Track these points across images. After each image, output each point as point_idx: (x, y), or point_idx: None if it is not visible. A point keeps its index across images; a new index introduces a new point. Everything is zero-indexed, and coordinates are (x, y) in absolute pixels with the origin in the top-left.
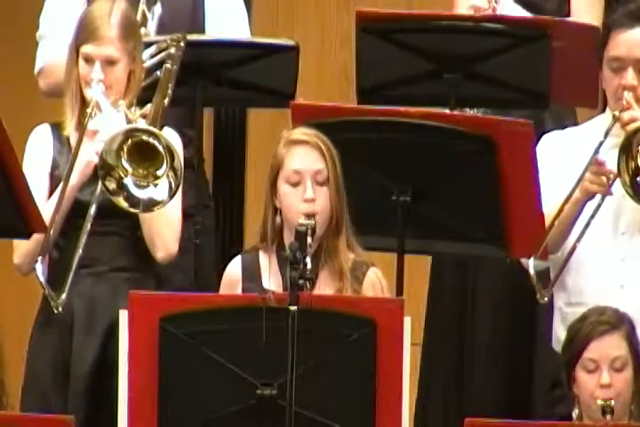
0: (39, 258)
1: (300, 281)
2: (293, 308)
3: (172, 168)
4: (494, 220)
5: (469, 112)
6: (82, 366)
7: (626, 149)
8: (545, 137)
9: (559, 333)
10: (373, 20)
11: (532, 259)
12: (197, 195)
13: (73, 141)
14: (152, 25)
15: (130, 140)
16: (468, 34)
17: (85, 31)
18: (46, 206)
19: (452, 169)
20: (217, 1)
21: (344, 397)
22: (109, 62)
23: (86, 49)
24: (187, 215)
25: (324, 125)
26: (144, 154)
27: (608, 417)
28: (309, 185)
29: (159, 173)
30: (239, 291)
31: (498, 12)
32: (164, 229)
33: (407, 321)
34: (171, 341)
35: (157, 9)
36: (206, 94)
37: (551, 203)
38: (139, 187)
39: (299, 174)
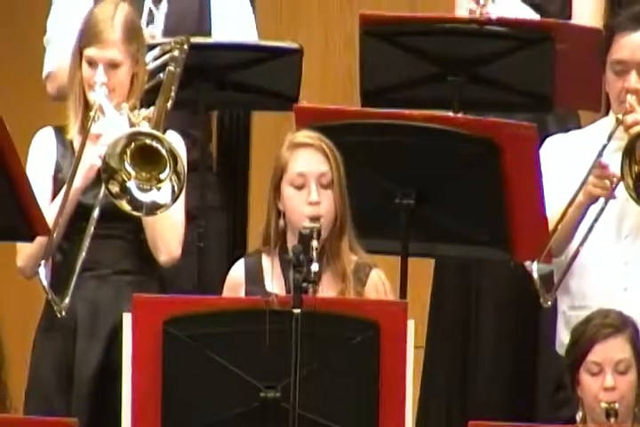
0: (42, 262)
1: (304, 284)
2: (297, 311)
3: (175, 171)
4: (498, 223)
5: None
6: (85, 369)
7: (629, 153)
8: (548, 140)
9: (562, 336)
10: (377, 23)
11: (535, 262)
12: (207, 197)
13: (76, 145)
14: (160, 23)
15: (133, 143)
16: (471, 36)
17: (89, 34)
18: (49, 209)
19: (456, 172)
20: (223, 3)
21: (347, 399)
22: (112, 65)
23: (89, 52)
24: (190, 218)
25: (327, 128)
26: (147, 157)
27: (612, 420)
28: (314, 188)
29: (162, 176)
30: (242, 294)
31: (492, 16)
32: (167, 233)
33: (410, 324)
34: (174, 343)
35: (163, 7)
36: (210, 97)
37: (555, 206)
38: (142, 190)
39: (303, 177)
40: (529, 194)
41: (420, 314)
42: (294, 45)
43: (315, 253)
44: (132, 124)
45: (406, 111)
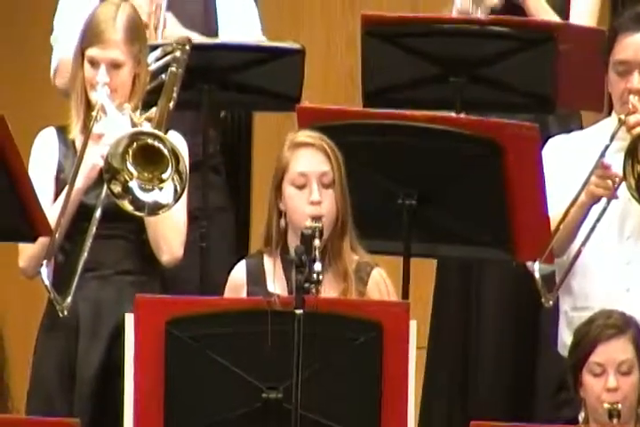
0: (44, 262)
1: (306, 284)
2: (299, 311)
3: (178, 171)
4: (500, 223)
5: None
6: (87, 369)
7: (631, 153)
8: (551, 141)
9: (565, 337)
10: (378, 24)
11: (536, 263)
12: (211, 197)
13: (78, 145)
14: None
15: (135, 143)
16: (473, 37)
17: (91, 34)
18: (51, 210)
19: (458, 172)
20: (229, 5)
21: (349, 400)
22: (115, 65)
23: (92, 52)
24: (192, 218)
25: (329, 129)
26: (149, 157)
27: (615, 421)
28: (315, 187)
29: (164, 176)
30: (244, 295)
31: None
32: (170, 233)
33: (413, 325)
34: (176, 344)
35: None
36: (212, 98)
37: (557, 206)
38: (144, 190)
39: (304, 177)
40: (531, 194)
41: (423, 315)
42: (296, 46)
43: (317, 253)
44: (133, 125)
45: (408, 112)
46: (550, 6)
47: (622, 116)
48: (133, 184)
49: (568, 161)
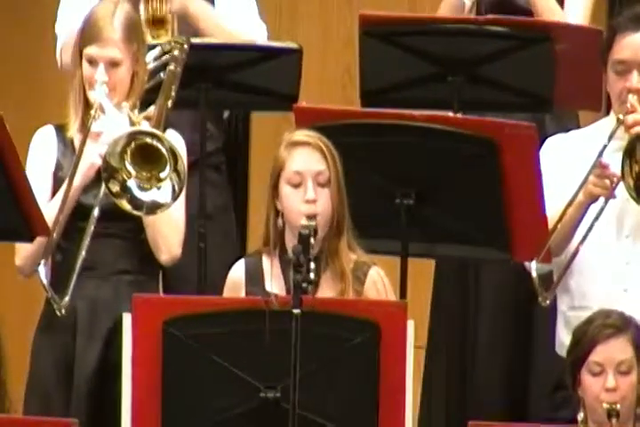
0: (42, 261)
1: (304, 284)
2: (297, 311)
3: (176, 170)
4: (497, 222)
5: None
6: (85, 368)
7: (630, 153)
8: (549, 140)
9: (562, 336)
10: (376, 24)
11: (534, 262)
12: (213, 196)
13: (76, 143)
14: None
15: (133, 142)
16: (471, 37)
17: (89, 33)
18: (49, 208)
19: (455, 172)
20: (228, 2)
21: (347, 400)
22: (113, 64)
23: (90, 51)
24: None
25: (327, 128)
26: (147, 156)
27: (613, 421)
28: (310, 186)
29: (162, 175)
30: (242, 294)
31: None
32: (169, 232)
33: (410, 324)
34: (174, 344)
35: None
36: (209, 97)
37: (555, 206)
38: (142, 189)
39: (300, 175)
40: (528, 194)
41: (420, 314)
42: (294, 45)
43: (312, 252)
44: (132, 123)
45: (406, 111)
46: None
47: (621, 116)
48: (131, 183)
49: (566, 160)
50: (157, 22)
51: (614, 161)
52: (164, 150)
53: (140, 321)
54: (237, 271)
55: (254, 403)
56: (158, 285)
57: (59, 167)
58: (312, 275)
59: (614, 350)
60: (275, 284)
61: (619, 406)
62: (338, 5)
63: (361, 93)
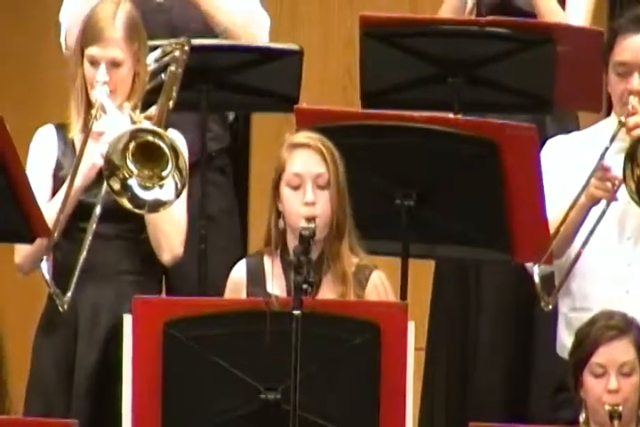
0: (44, 257)
1: (304, 285)
2: (297, 312)
3: (178, 168)
4: (498, 224)
5: None
6: (86, 369)
7: (631, 157)
8: (550, 142)
9: (564, 338)
10: (377, 25)
11: (536, 266)
12: (222, 199)
13: (78, 144)
14: None
15: (135, 140)
16: (471, 38)
17: (90, 33)
18: (50, 209)
19: (456, 173)
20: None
21: (348, 401)
22: (114, 64)
23: (91, 51)
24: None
25: (327, 130)
26: (149, 155)
27: (615, 423)
28: (309, 188)
29: (164, 173)
30: (244, 295)
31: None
32: (171, 231)
33: (411, 326)
34: (174, 345)
35: None
36: (210, 99)
37: (556, 208)
38: (144, 188)
39: (299, 178)
40: (529, 195)
41: (421, 315)
42: (294, 47)
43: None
44: (133, 123)
45: (406, 113)
46: None
47: (622, 118)
48: (132, 182)
49: (567, 162)
50: None
51: (616, 163)
52: (165, 148)
53: (140, 322)
54: (239, 272)
55: (255, 404)
56: (161, 285)
57: (59, 167)
58: (310, 276)
59: (617, 351)
60: (276, 284)
61: (621, 407)
62: (338, 7)
63: (361, 95)
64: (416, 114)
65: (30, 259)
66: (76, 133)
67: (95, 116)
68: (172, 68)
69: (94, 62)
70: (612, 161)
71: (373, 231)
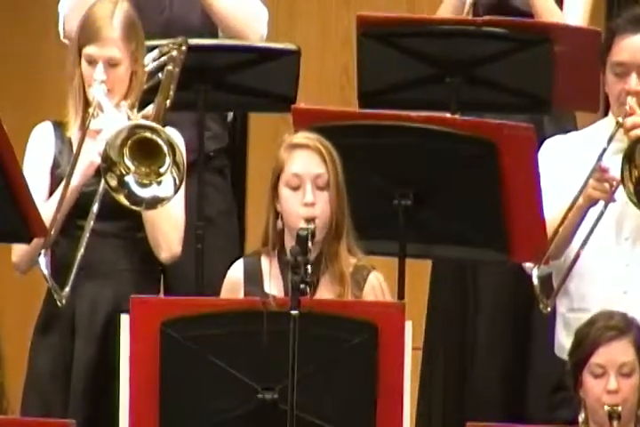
0: (42, 251)
1: (302, 285)
2: (295, 312)
3: (175, 163)
4: (495, 224)
5: None
6: (83, 368)
7: (629, 158)
8: (547, 142)
9: (562, 339)
10: (374, 25)
11: (535, 268)
12: (221, 201)
13: (75, 142)
14: None
15: (133, 137)
16: (469, 38)
17: (88, 32)
18: (47, 207)
19: (454, 173)
20: None
21: (345, 401)
22: (112, 63)
23: (89, 50)
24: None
25: (325, 130)
26: (146, 152)
27: (614, 423)
28: (309, 189)
29: (162, 170)
30: (241, 295)
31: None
32: (168, 229)
33: (408, 325)
34: (172, 345)
35: None
36: (208, 99)
37: (554, 208)
38: (141, 185)
39: (299, 178)
40: (527, 195)
41: (418, 315)
42: (291, 47)
43: (310, 255)
44: None
45: (403, 112)
46: None
47: (620, 119)
48: (129, 179)
49: (565, 162)
50: None
51: (613, 163)
52: (162, 144)
53: (137, 322)
54: (236, 272)
55: (252, 404)
56: (159, 285)
57: (56, 164)
58: (308, 276)
59: (616, 352)
60: (273, 285)
61: (620, 408)
62: (336, 6)
63: (359, 94)
64: (414, 114)
65: (27, 258)
66: (73, 132)
67: (93, 114)
68: (170, 67)
69: (92, 61)
70: (609, 162)
71: (371, 231)
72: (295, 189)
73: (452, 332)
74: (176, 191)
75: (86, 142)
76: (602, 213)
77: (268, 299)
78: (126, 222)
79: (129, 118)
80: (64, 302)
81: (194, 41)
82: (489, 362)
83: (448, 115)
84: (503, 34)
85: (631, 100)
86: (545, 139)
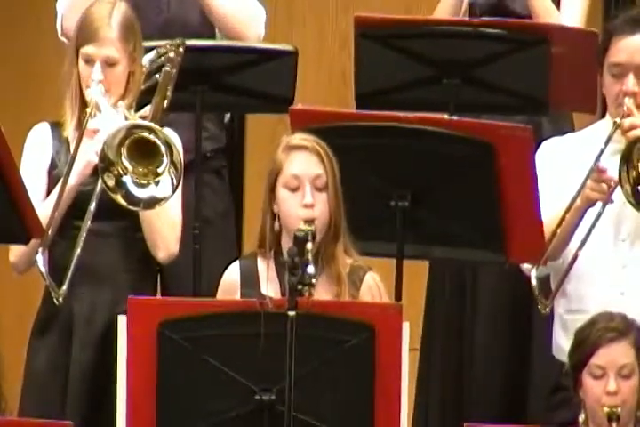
0: (40, 249)
1: (299, 286)
2: (292, 313)
3: (172, 162)
4: (493, 225)
5: None
6: (81, 369)
7: (626, 159)
8: (545, 143)
9: (559, 340)
10: (372, 26)
11: (533, 269)
12: (219, 202)
13: (72, 142)
14: None
15: (130, 137)
16: (466, 39)
17: (85, 32)
18: (44, 206)
19: (451, 174)
20: None
21: (343, 402)
22: (109, 63)
23: (86, 50)
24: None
25: (322, 131)
26: (144, 152)
27: (614, 424)
28: (308, 190)
29: (160, 170)
30: (238, 297)
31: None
32: (166, 229)
33: (406, 326)
34: (169, 346)
35: None
36: (205, 100)
37: (552, 209)
38: (138, 186)
39: (298, 179)
40: (524, 196)
41: (416, 316)
42: (289, 48)
43: (310, 256)
44: None
45: (401, 114)
46: None
47: (617, 120)
48: (127, 179)
49: (562, 164)
50: None
51: (611, 164)
52: (160, 144)
53: (135, 323)
54: (232, 274)
55: (250, 405)
56: (156, 285)
57: (53, 165)
58: (309, 278)
59: (616, 353)
60: (270, 287)
61: (619, 409)
62: (333, 8)
63: (356, 95)
64: (411, 115)
65: (25, 258)
66: (70, 132)
67: (90, 114)
68: (167, 68)
69: (89, 61)
70: (607, 163)
71: (368, 232)
72: (294, 190)
73: (449, 333)
74: (174, 191)
75: (84, 142)
76: (599, 215)
77: (265, 300)
78: (124, 223)
79: (126, 119)
80: (61, 300)
81: (191, 42)
82: (488, 363)
83: (445, 116)
84: (500, 35)
85: (628, 101)
86: (543, 140)
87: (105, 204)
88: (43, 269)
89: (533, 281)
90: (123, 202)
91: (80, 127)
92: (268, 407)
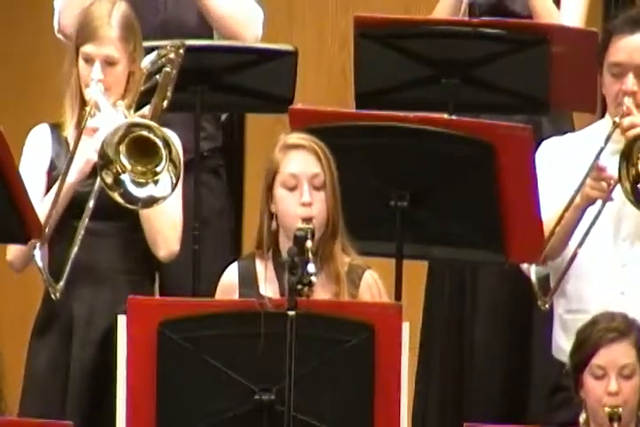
0: (37, 244)
1: (299, 286)
2: (292, 313)
3: (171, 161)
4: (492, 225)
5: None
6: (81, 369)
7: (626, 157)
8: (545, 143)
9: (559, 339)
10: (371, 26)
11: (533, 266)
12: (216, 201)
13: (71, 141)
14: None
15: (130, 135)
16: (466, 39)
17: (85, 31)
18: (42, 206)
19: (450, 174)
20: None
21: (342, 402)
22: (109, 63)
23: (86, 49)
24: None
25: (321, 130)
26: (142, 151)
27: (615, 425)
28: (306, 189)
29: (158, 169)
30: (236, 297)
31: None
32: (166, 228)
33: (405, 326)
34: (169, 346)
35: None
36: (205, 100)
37: (551, 209)
38: (137, 184)
39: (295, 178)
40: (524, 196)
41: (415, 316)
42: (289, 48)
43: (310, 255)
44: None
45: (400, 113)
46: None
47: (617, 119)
48: (125, 178)
49: (562, 163)
50: None
51: (611, 164)
52: (158, 142)
53: (135, 323)
54: (230, 275)
55: (249, 405)
56: (154, 285)
57: (53, 166)
58: (309, 277)
59: (617, 354)
60: (269, 287)
61: (620, 409)
62: (333, 7)
63: (356, 95)
64: (410, 114)
65: (22, 257)
66: (69, 132)
67: (89, 113)
68: (167, 69)
69: (89, 60)
70: (607, 163)
71: (368, 232)
72: (292, 189)
73: (449, 333)
74: (173, 190)
75: (83, 140)
76: (599, 213)
77: (264, 300)
78: (123, 223)
79: (125, 118)
80: (58, 295)
81: (191, 42)
82: (487, 362)
83: (445, 116)
84: (500, 35)
85: (628, 101)
86: (543, 140)
87: (104, 204)
88: (40, 264)
89: (533, 277)
90: (120, 200)
91: (79, 127)
92: (268, 407)
